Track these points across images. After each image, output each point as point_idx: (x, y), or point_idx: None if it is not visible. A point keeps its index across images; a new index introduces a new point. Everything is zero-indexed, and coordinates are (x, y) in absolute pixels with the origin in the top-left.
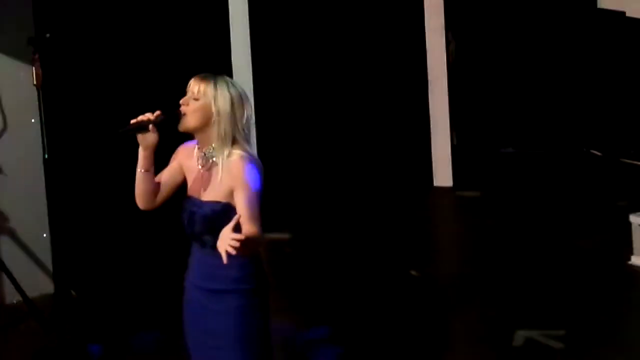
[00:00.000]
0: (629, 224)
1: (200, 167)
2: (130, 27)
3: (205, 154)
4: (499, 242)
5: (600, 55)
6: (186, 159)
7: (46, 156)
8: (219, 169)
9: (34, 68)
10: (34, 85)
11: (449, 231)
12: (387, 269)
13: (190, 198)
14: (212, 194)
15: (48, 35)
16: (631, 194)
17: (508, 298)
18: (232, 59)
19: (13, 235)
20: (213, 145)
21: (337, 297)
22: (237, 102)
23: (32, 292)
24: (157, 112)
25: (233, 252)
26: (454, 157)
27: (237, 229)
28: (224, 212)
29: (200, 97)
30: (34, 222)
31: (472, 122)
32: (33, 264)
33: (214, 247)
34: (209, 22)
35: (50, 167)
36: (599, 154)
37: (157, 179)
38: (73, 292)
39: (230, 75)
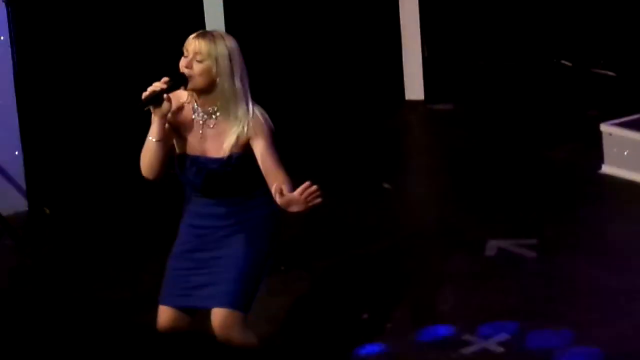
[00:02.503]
0: (600, 134)
1: (204, 125)
2: None
3: (209, 112)
4: (472, 154)
5: None
6: (174, 117)
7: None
8: (228, 125)
9: None
10: (3, 1)
11: (421, 144)
12: (360, 181)
13: (193, 156)
14: (220, 149)
15: None
16: (601, 103)
17: (481, 208)
18: None
19: None
20: (218, 103)
21: (311, 210)
22: (235, 57)
23: (5, 210)
24: (165, 79)
25: (319, 201)
26: (425, 70)
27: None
28: (238, 164)
29: (204, 59)
30: (6, 140)
31: (443, 34)
32: (6, 182)
33: (231, 194)
34: None
35: (22, 84)
36: (569, 64)
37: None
38: (47, 210)
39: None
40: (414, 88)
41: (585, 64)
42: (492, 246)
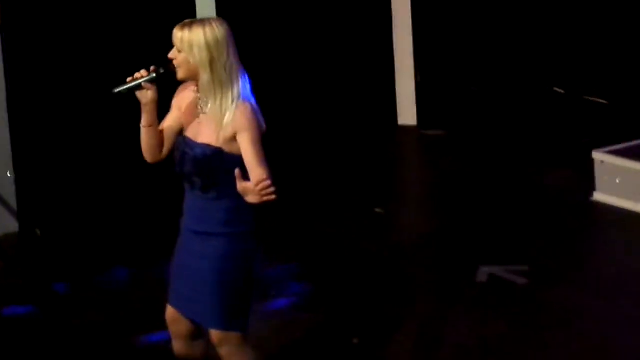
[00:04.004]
0: (592, 161)
1: (202, 110)
2: None
3: (204, 99)
4: (464, 180)
5: None
6: (183, 100)
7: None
8: (217, 113)
9: None
10: None
11: (413, 169)
12: (352, 206)
13: (185, 138)
14: (207, 138)
15: None
16: (593, 131)
17: (472, 234)
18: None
19: None
20: (206, 92)
21: (304, 235)
22: (214, 46)
23: None
24: (152, 68)
25: (272, 198)
26: (417, 96)
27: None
28: (215, 156)
29: (182, 50)
30: None
31: (436, 60)
32: None
33: (202, 189)
34: None
35: (14, 105)
36: (562, 91)
37: (159, 127)
38: (38, 231)
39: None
40: (407, 113)
41: (577, 92)
42: (484, 272)
